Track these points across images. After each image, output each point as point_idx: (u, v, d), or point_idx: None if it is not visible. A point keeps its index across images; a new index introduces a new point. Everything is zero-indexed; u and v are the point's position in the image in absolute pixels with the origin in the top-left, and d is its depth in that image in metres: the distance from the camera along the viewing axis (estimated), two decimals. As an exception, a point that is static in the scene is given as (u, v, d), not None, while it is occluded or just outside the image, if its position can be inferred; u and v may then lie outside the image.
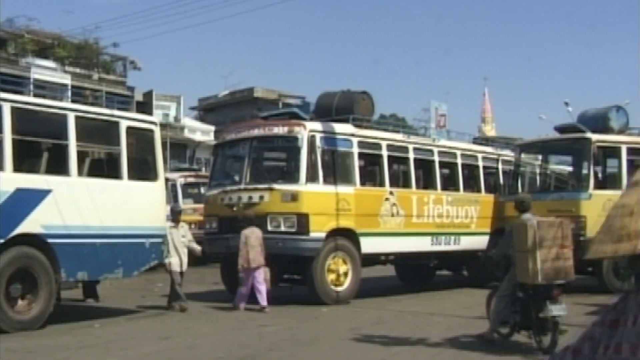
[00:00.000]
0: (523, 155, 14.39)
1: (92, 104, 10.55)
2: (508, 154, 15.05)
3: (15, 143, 8.65)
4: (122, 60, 32.24)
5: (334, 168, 11.62)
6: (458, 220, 13.69)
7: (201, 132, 37.53)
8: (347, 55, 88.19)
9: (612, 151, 13.26)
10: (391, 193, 12.40)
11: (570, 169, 15.15)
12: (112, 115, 9.95)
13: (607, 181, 13.67)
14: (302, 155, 11.15)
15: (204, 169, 27.74)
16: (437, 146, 13.75)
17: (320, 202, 11.18)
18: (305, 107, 13.53)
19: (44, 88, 12.08)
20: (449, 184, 14.13)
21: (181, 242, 10.81)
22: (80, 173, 9.49)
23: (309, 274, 11.19)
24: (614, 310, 1.96)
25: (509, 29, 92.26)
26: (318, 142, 11.36)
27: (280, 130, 11.60)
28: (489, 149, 15.30)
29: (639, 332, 1.66)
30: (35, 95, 9.68)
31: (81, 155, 9.64)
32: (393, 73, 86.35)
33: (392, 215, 12.32)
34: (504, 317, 7.56)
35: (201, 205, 15.94)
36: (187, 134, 36.70)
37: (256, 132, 11.94)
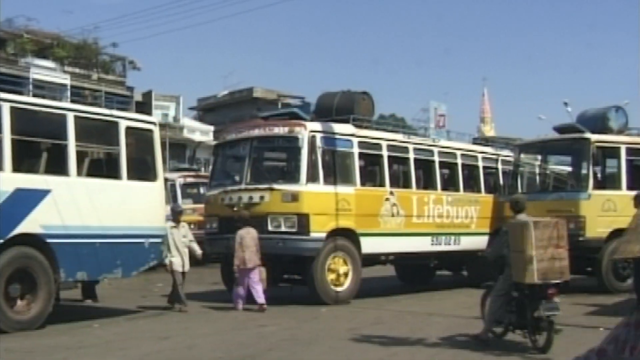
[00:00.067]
0: (522, 156, 14.39)
1: (91, 104, 10.55)
2: (508, 154, 15.06)
3: (14, 143, 8.64)
4: (122, 60, 32.24)
5: (335, 168, 11.63)
6: (458, 221, 13.69)
7: (200, 132, 37.54)
8: (347, 56, 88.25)
9: (611, 151, 13.26)
10: (391, 193, 12.40)
11: (569, 169, 15.15)
12: (112, 116, 9.95)
13: (607, 181, 13.68)
14: (302, 155, 11.16)
15: (203, 169, 27.75)
16: (437, 146, 13.76)
17: (321, 202, 11.19)
18: (305, 108, 13.52)
19: (43, 88, 12.09)
20: (449, 184, 14.14)
21: (182, 242, 10.80)
22: (79, 173, 9.49)
23: (309, 274, 11.19)
24: (639, 311, 1.96)
25: (508, 29, 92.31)
26: (318, 142, 11.36)
27: (280, 130, 11.61)
28: (488, 149, 15.30)
29: None
30: (35, 96, 9.67)
31: (80, 156, 9.64)
32: (392, 73, 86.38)
33: (393, 215, 12.33)
34: (498, 317, 7.59)
35: (201, 206, 15.96)
36: (186, 134, 36.69)
37: (257, 132, 11.95)
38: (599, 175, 13.66)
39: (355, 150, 11.98)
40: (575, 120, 14.81)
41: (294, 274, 12.05)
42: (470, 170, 14.62)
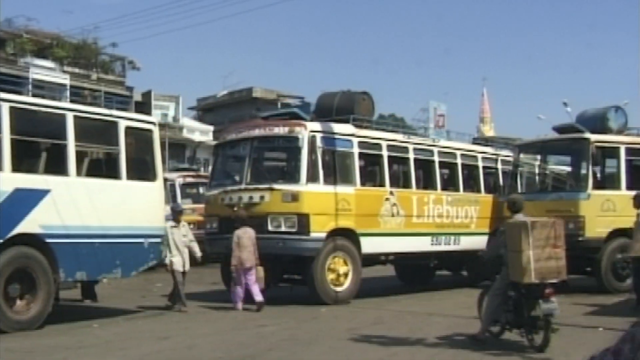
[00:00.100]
0: (522, 156, 14.39)
1: (90, 104, 10.55)
2: (507, 154, 15.06)
3: (14, 143, 8.64)
4: (121, 60, 32.25)
5: (335, 168, 11.63)
6: (458, 221, 13.70)
7: (200, 132, 37.54)
8: (346, 56, 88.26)
9: (610, 151, 13.26)
10: (391, 193, 12.40)
11: (569, 169, 15.15)
12: (111, 115, 9.94)
13: (606, 181, 13.68)
14: (302, 155, 11.17)
15: (202, 169, 27.74)
16: (437, 146, 13.76)
17: (321, 202, 11.19)
18: (305, 108, 13.53)
19: (42, 88, 12.11)
20: (449, 184, 14.14)
21: (182, 241, 10.79)
22: (79, 173, 9.48)
23: (310, 274, 11.19)
24: None
25: (508, 29, 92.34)
26: (319, 142, 11.37)
27: (280, 130, 11.61)
28: (488, 149, 15.31)
29: None
30: (34, 95, 9.68)
31: (80, 155, 9.63)
32: (392, 73, 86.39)
33: (392, 215, 12.33)
34: (495, 316, 7.63)
35: (200, 205, 15.96)
36: (185, 134, 36.69)
37: (257, 132, 11.95)
38: (598, 175, 13.66)
39: (355, 150, 11.98)
40: (575, 120, 14.81)
41: (294, 274, 12.05)
42: (470, 170, 14.63)
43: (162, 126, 22.36)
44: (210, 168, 18.02)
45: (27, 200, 8.71)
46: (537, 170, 14.71)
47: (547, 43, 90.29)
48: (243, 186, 11.53)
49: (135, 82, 33.10)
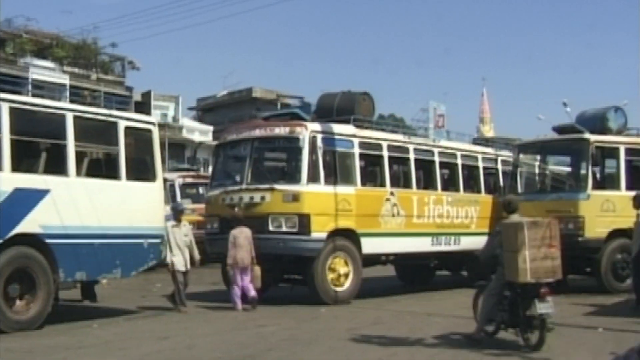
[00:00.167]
0: (522, 156, 14.40)
1: (90, 104, 10.54)
2: (507, 155, 15.07)
3: (13, 143, 8.63)
4: (121, 60, 32.28)
5: (335, 168, 11.64)
6: (458, 221, 13.71)
7: (199, 132, 37.57)
8: (346, 56, 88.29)
9: (610, 152, 13.27)
10: (392, 193, 12.41)
11: (568, 169, 15.16)
12: (111, 116, 9.94)
13: (606, 181, 13.68)
14: (303, 155, 11.18)
15: (202, 169, 27.76)
16: (438, 147, 13.78)
17: (322, 202, 11.20)
18: (306, 108, 13.56)
19: (42, 88, 12.11)
20: (449, 184, 14.15)
21: (183, 241, 10.79)
22: (78, 173, 9.48)
23: (310, 274, 11.20)
24: None
25: (508, 29, 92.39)
26: (319, 143, 11.38)
27: (281, 130, 11.62)
28: (488, 150, 15.32)
29: None
30: (34, 95, 9.67)
31: (79, 156, 9.62)
32: (392, 73, 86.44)
33: (393, 215, 12.34)
34: (491, 316, 7.67)
35: (200, 205, 15.96)
36: (185, 134, 36.72)
37: (257, 132, 11.96)
38: (598, 175, 13.66)
39: (356, 150, 11.99)
40: (575, 120, 14.81)
41: (294, 274, 12.06)
42: (470, 171, 14.64)
43: (162, 126, 22.39)
44: (210, 168, 18.04)
45: (26, 200, 8.70)
46: (536, 171, 14.72)
47: (547, 43, 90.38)
48: (244, 186, 11.54)
49: (134, 82, 33.18)
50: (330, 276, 11.31)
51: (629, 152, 13.16)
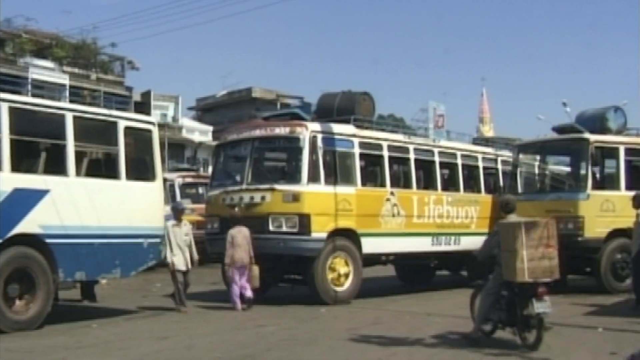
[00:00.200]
0: (521, 156, 14.40)
1: (90, 104, 10.54)
2: (507, 155, 15.08)
3: (13, 143, 8.63)
4: (120, 60, 32.26)
5: (335, 168, 11.65)
6: (458, 221, 13.72)
7: (199, 132, 37.57)
8: (346, 56, 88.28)
9: (610, 151, 13.27)
10: (392, 193, 12.42)
11: (568, 169, 15.16)
12: (110, 115, 9.94)
13: (605, 181, 13.68)
14: (303, 155, 11.19)
15: (201, 169, 27.75)
16: (438, 147, 13.79)
17: (322, 202, 11.21)
18: (306, 108, 13.57)
19: (42, 88, 12.12)
20: (449, 184, 14.16)
21: (184, 240, 10.78)
22: (78, 173, 9.47)
23: (310, 274, 11.21)
24: None
25: (508, 29, 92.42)
26: (319, 143, 11.39)
27: (281, 130, 11.64)
28: (488, 150, 15.33)
29: None
30: (33, 95, 9.67)
31: (79, 156, 9.62)
32: (391, 73, 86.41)
33: (393, 215, 12.35)
34: (488, 315, 7.72)
35: (199, 205, 15.95)
36: (185, 134, 36.72)
37: (258, 132, 11.97)
38: (597, 175, 13.66)
39: (356, 150, 12.00)
40: (574, 120, 14.81)
41: (294, 274, 12.07)
42: (471, 171, 14.65)
43: (162, 126, 22.38)
44: (210, 168, 18.04)
45: (26, 200, 8.70)
46: (536, 171, 14.72)
47: (546, 43, 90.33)
48: (244, 186, 11.54)
49: (134, 82, 33.15)
50: (331, 276, 11.32)
51: (629, 152, 13.16)
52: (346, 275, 11.51)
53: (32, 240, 8.75)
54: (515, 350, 7.27)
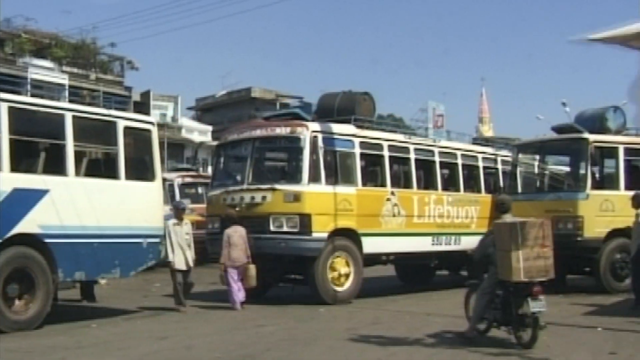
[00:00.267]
0: (521, 156, 14.40)
1: (89, 104, 10.55)
2: (507, 154, 15.08)
3: (12, 143, 8.63)
4: (120, 60, 32.23)
5: (336, 168, 11.66)
6: (458, 221, 13.73)
7: (198, 132, 37.57)
8: (344, 55, 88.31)
9: (609, 151, 13.26)
10: (392, 193, 12.43)
11: (567, 169, 15.15)
12: (110, 115, 9.94)
13: (605, 181, 13.67)
14: (304, 155, 11.20)
15: (201, 168, 27.74)
16: (438, 147, 13.80)
17: (323, 202, 11.21)
18: (306, 108, 13.57)
19: (41, 88, 12.12)
20: (450, 184, 14.17)
21: (185, 239, 10.77)
22: (77, 173, 9.48)
23: (311, 274, 11.21)
24: None
25: (507, 29, 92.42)
26: (320, 143, 11.39)
27: (282, 130, 11.65)
28: (488, 150, 15.34)
29: None
30: (33, 95, 9.67)
31: (78, 155, 9.63)
32: (391, 73, 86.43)
33: (394, 215, 12.36)
34: (483, 314, 7.77)
35: (199, 205, 15.95)
36: (184, 134, 36.72)
37: (258, 132, 11.98)
38: (597, 175, 13.66)
39: (357, 150, 12.01)
40: (574, 120, 14.81)
41: (295, 273, 12.07)
42: (471, 171, 14.66)
43: (161, 126, 22.40)
44: (209, 168, 18.03)
45: (25, 200, 8.70)
46: (535, 171, 14.72)
47: (546, 43, 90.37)
48: (245, 186, 11.55)
49: (133, 82, 33.12)
50: (331, 276, 11.32)
51: (628, 151, 13.15)
52: (347, 275, 11.51)
53: (31, 240, 8.75)
54: (515, 350, 7.27)
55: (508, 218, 7.74)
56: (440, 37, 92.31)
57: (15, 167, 8.71)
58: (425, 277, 15.03)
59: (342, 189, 11.50)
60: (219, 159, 12.96)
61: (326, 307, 10.98)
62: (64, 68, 28.45)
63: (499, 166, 15.15)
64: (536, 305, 7.21)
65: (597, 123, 13.52)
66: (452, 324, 8.97)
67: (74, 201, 9.13)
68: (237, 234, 10.76)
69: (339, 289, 11.41)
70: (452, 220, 13.59)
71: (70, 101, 10.31)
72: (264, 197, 11.21)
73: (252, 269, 10.80)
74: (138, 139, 10.39)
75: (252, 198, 11.31)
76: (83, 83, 26.78)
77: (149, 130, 10.40)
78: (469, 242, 13.65)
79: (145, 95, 34.44)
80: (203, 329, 9.15)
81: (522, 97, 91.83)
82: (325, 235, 11.16)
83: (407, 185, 13.01)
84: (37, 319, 8.78)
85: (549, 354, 7.12)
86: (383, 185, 12.45)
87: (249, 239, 10.85)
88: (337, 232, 11.37)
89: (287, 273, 12.15)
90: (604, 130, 13.40)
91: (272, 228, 11.05)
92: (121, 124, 9.93)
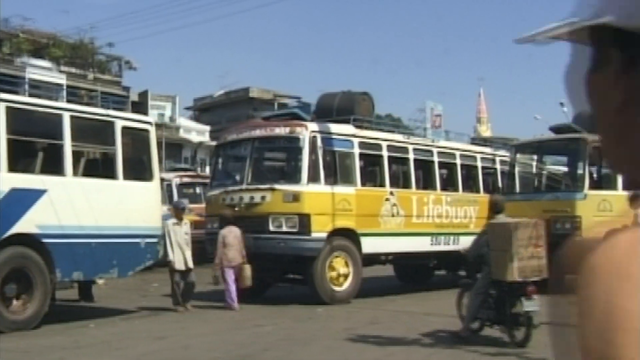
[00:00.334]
0: (519, 156, 14.42)
1: (87, 104, 10.55)
2: (505, 155, 15.10)
3: (10, 143, 8.63)
4: (118, 60, 32.18)
5: (335, 168, 11.69)
6: (457, 221, 13.75)
7: (196, 132, 37.53)
8: (342, 56, 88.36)
9: (607, 152, 13.27)
10: (391, 193, 12.45)
11: (565, 169, 15.18)
12: (108, 115, 9.94)
13: (603, 181, 13.69)
14: (303, 155, 11.21)
15: (199, 168, 27.73)
16: (437, 147, 13.82)
17: (322, 202, 11.23)
18: (305, 108, 13.60)
19: (39, 88, 12.08)
20: (448, 184, 14.20)
21: (184, 239, 10.77)
22: (75, 173, 9.48)
23: (310, 273, 11.22)
24: None
25: (506, 29, 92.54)
26: (319, 143, 11.41)
27: (281, 130, 11.66)
28: (487, 150, 15.37)
29: None
30: (31, 95, 9.68)
31: (76, 155, 9.63)
32: (389, 73, 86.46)
33: (393, 215, 12.38)
34: (477, 314, 7.82)
35: (197, 205, 15.94)
36: (182, 134, 36.68)
37: (258, 132, 12.00)
38: (595, 175, 13.68)
39: (356, 150, 12.03)
40: (572, 120, 14.83)
41: (294, 273, 12.08)
42: (469, 171, 14.69)
43: (159, 126, 22.35)
44: (208, 168, 18.03)
45: (23, 200, 8.70)
46: (534, 171, 14.74)
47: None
48: (244, 186, 11.56)
49: (131, 82, 33.05)
50: (330, 276, 11.33)
51: (626, 152, 13.16)
52: (346, 275, 11.52)
53: (29, 240, 8.74)
54: (512, 350, 7.29)
55: (502, 218, 7.80)
56: (438, 37, 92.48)
57: (13, 167, 8.71)
58: (424, 277, 15.04)
59: (341, 189, 11.51)
60: (218, 159, 12.97)
61: (325, 307, 10.98)
62: (62, 68, 28.40)
63: (498, 166, 15.18)
64: (530, 305, 7.25)
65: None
66: (451, 323, 8.97)
67: (72, 201, 9.13)
68: (232, 234, 10.76)
69: (337, 288, 11.41)
70: (450, 220, 13.61)
71: (68, 101, 10.30)
72: (263, 197, 11.22)
73: (248, 269, 10.80)
74: (136, 139, 10.39)
75: (252, 198, 11.32)
76: (81, 83, 26.71)
77: (146, 130, 10.40)
78: (468, 242, 13.67)
79: (143, 95, 34.39)
80: (201, 328, 9.15)
81: (520, 97, 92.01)
82: (324, 235, 11.17)
83: (406, 185, 13.03)
84: (34, 319, 8.77)
85: (546, 353, 7.12)
86: (382, 185, 12.47)
87: (244, 239, 10.85)
88: (336, 232, 11.39)
89: (286, 273, 12.16)
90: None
91: (271, 228, 11.06)
92: (119, 124, 9.93)
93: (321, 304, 11.10)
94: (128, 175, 9.92)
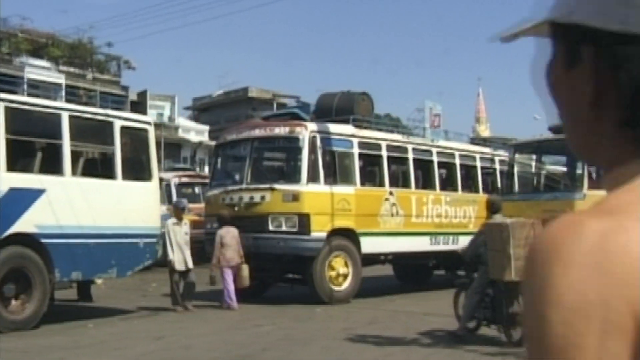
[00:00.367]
0: (517, 156, 14.42)
1: (86, 104, 10.55)
2: (505, 154, 15.10)
3: (9, 143, 8.62)
4: (116, 59, 32.18)
5: (335, 168, 11.69)
6: (456, 220, 13.76)
7: (195, 132, 37.51)
8: (341, 56, 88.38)
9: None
10: (391, 193, 12.45)
11: (564, 169, 15.18)
12: (106, 115, 9.93)
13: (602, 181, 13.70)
14: (303, 155, 11.22)
15: (198, 168, 27.72)
16: (436, 147, 13.82)
17: (321, 202, 11.23)
18: (305, 108, 13.61)
19: (38, 87, 12.09)
20: (448, 184, 14.20)
21: (184, 239, 10.76)
22: (74, 173, 9.47)
23: (309, 273, 11.22)
24: None
25: (505, 29, 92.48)
26: (319, 143, 11.42)
27: (281, 130, 11.67)
28: (486, 150, 15.38)
29: None
30: (29, 95, 9.68)
31: (75, 155, 9.62)
32: (388, 73, 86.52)
33: (392, 215, 12.38)
34: (473, 313, 7.85)
35: (196, 205, 15.94)
36: (181, 133, 36.66)
37: (257, 132, 12.00)
38: (594, 175, 13.68)
39: (355, 150, 12.04)
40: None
41: (293, 273, 12.08)
42: (468, 171, 14.70)
43: (158, 126, 22.33)
44: (207, 168, 18.04)
45: (22, 200, 8.69)
46: (533, 170, 14.74)
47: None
48: (244, 186, 11.57)
49: (130, 82, 33.04)
50: (330, 275, 11.33)
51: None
52: (345, 275, 11.53)
53: (28, 240, 8.73)
54: (510, 349, 7.29)
55: (499, 218, 7.83)
56: (437, 37, 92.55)
57: (12, 167, 8.70)
58: (423, 276, 15.05)
59: (340, 189, 11.52)
60: (217, 159, 12.98)
61: (324, 306, 10.98)
62: (61, 68, 28.39)
63: (497, 166, 15.18)
64: None
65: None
66: (450, 323, 8.96)
67: (71, 201, 9.12)
68: (229, 234, 10.77)
69: (337, 288, 11.42)
70: (450, 220, 13.62)
71: (67, 101, 10.30)
72: (262, 197, 11.22)
73: (245, 269, 10.80)
74: (135, 138, 10.39)
75: (251, 198, 11.32)
76: (80, 83, 26.71)
77: (145, 130, 10.39)
78: (467, 242, 13.70)
79: (142, 94, 34.37)
80: (200, 328, 9.14)
81: (519, 97, 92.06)
82: (323, 235, 11.17)
83: (405, 185, 13.04)
84: (33, 319, 8.76)
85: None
86: (381, 185, 12.47)
87: (241, 239, 10.85)
88: (336, 232, 11.39)
89: (286, 273, 12.16)
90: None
91: (270, 228, 11.06)
92: (118, 124, 9.92)
93: (320, 303, 11.10)
94: (127, 175, 9.92)
